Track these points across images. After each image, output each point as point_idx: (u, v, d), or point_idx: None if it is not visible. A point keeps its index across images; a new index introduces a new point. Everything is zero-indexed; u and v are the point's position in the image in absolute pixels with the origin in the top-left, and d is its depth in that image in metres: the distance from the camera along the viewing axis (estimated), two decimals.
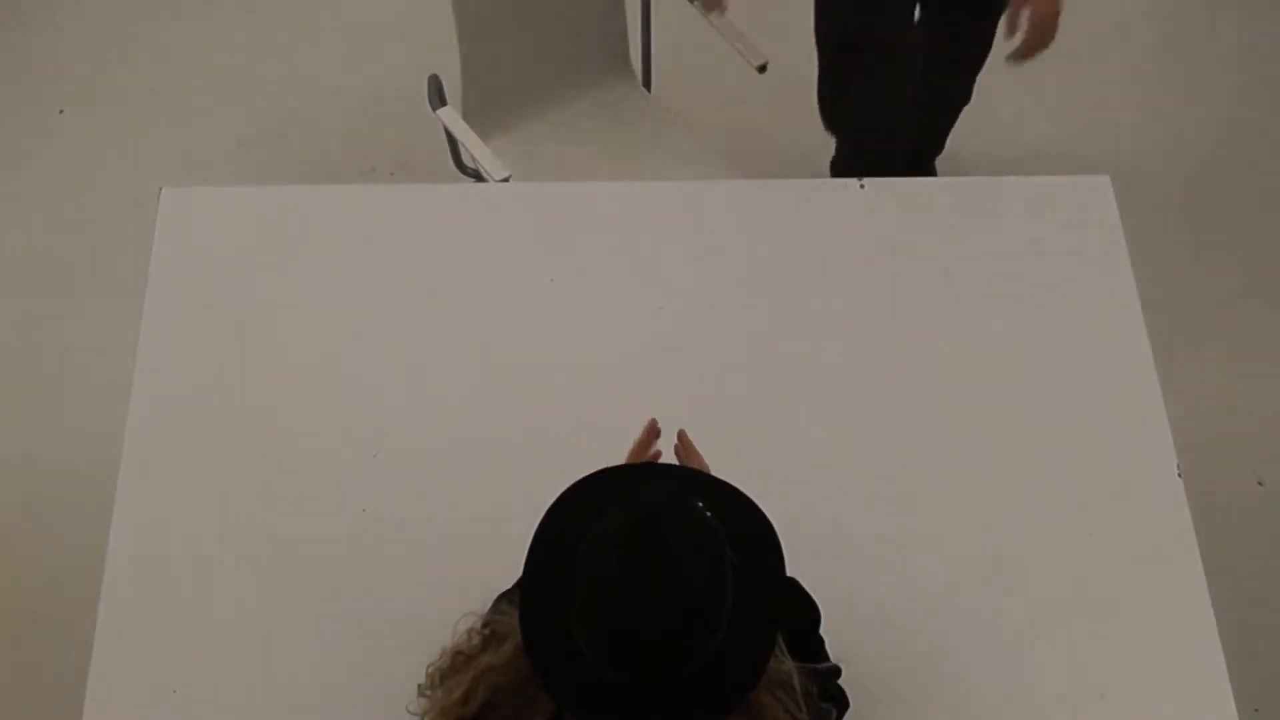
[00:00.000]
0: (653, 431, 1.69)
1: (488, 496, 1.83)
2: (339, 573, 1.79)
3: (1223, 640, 1.75)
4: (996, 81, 3.34)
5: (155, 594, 1.77)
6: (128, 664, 1.72)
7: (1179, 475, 1.88)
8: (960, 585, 1.79)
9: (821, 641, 1.57)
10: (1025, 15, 2.06)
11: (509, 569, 1.29)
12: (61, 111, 3.28)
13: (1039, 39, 2.08)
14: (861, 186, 2.14)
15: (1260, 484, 2.79)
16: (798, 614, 1.55)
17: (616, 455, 1.85)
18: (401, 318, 2.01)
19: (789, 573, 1.61)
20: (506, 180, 2.29)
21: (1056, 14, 2.08)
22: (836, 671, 1.54)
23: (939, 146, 2.87)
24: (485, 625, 1.35)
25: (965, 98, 2.74)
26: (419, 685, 1.37)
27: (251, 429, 1.90)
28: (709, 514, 1.23)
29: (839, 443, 1.90)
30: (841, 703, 1.52)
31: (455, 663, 1.33)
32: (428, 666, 1.35)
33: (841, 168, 2.57)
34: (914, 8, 2.39)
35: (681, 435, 1.71)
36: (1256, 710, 2.42)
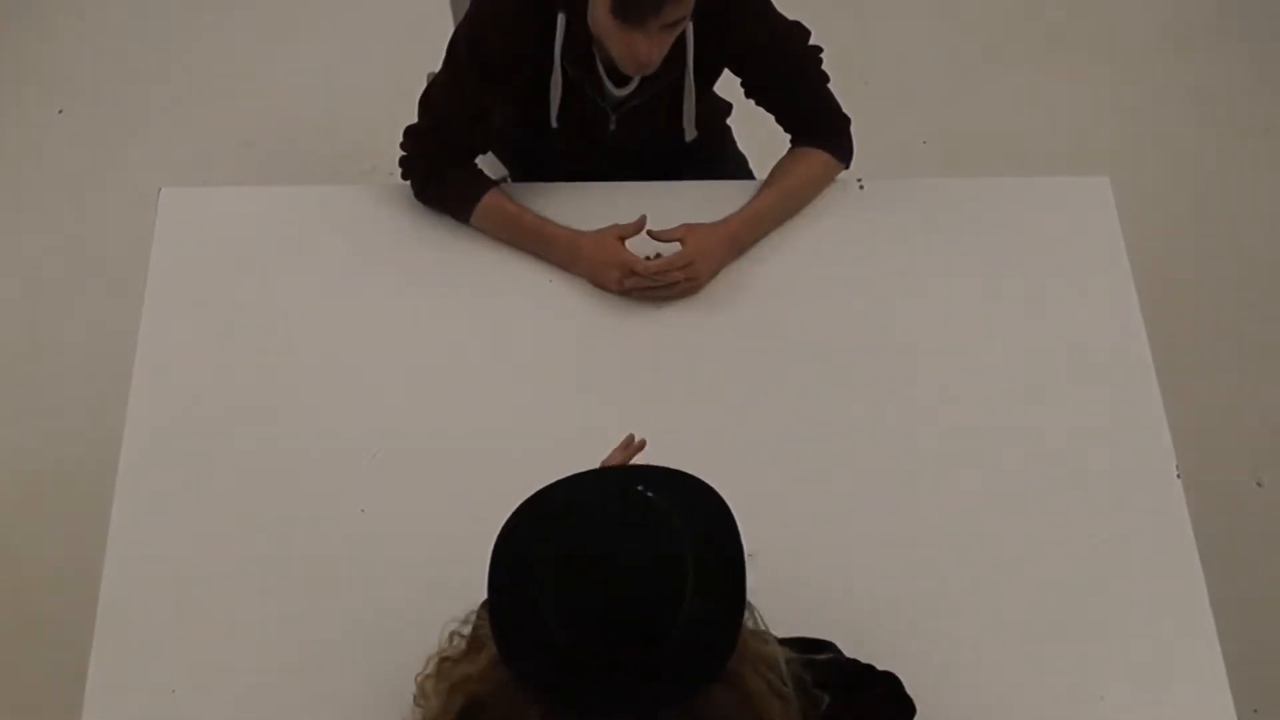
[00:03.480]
0: (626, 446, 1.72)
1: (488, 496, 1.82)
2: (338, 573, 1.79)
3: (1222, 641, 1.75)
4: (996, 81, 3.34)
5: (154, 594, 1.77)
6: (127, 664, 1.72)
7: (1178, 476, 1.88)
8: (959, 585, 1.79)
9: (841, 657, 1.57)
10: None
11: None
12: (61, 111, 3.28)
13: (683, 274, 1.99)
14: (861, 187, 2.14)
15: (1259, 485, 2.79)
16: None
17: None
18: (401, 318, 2.01)
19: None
20: (504, 180, 2.29)
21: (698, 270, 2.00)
22: (857, 670, 1.54)
23: None
24: (469, 624, 1.35)
25: None
26: (414, 695, 1.37)
27: (251, 429, 1.90)
28: (651, 495, 1.22)
29: (837, 443, 1.90)
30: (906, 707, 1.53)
31: (441, 669, 1.33)
32: (416, 677, 1.36)
33: None
34: None
35: (640, 446, 1.71)
36: (1256, 711, 2.42)
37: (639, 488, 1.23)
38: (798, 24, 2.03)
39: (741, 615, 1.23)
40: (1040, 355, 1.98)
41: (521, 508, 1.26)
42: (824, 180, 2.10)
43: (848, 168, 2.12)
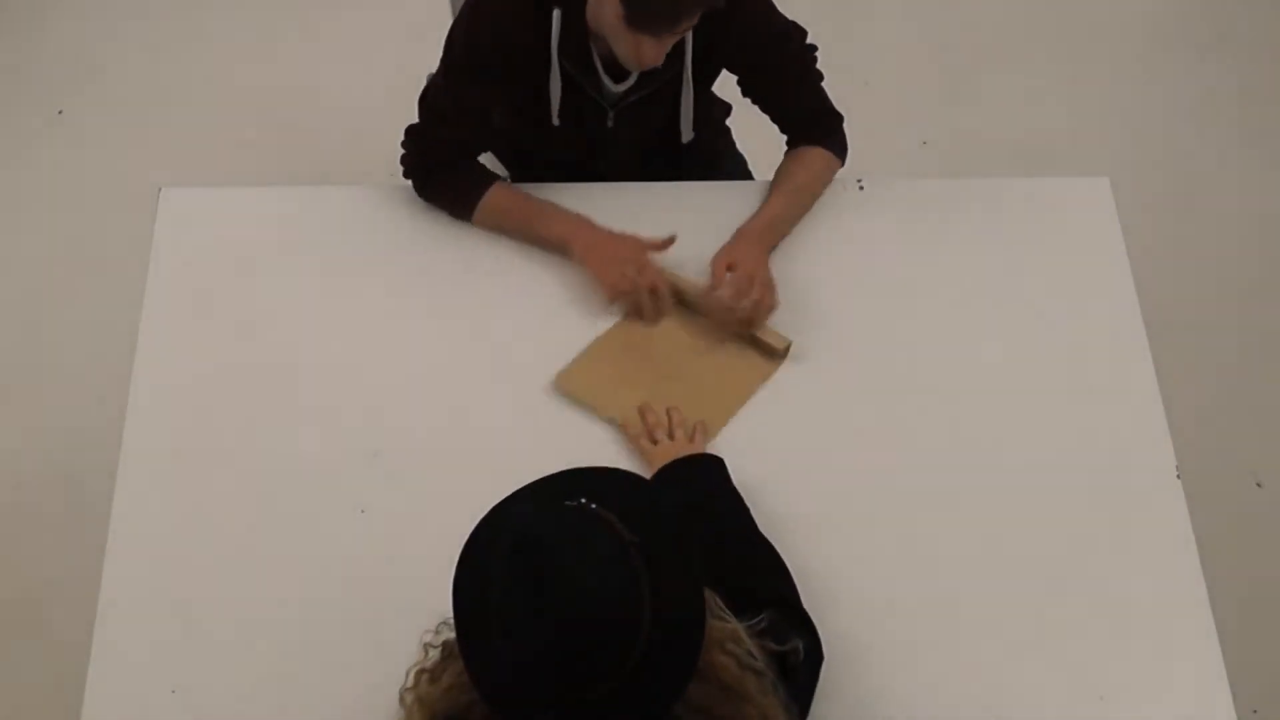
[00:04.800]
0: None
1: (488, 496, 1.82)
2: (338, 573, 1.79)
3: (1222, 641, 1.75)
4: (996, 81, 3.35)
5: (154, 594, 1.77)
6: (127, 664, 1.72)
7: (1178, 477, 1.88)
8: (959, 585, 1.79)
9: (795, 594, 1.59)
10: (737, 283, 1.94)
11: None
12: (61, 112, 3.28)
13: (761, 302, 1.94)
14: (861, 187, 2.14)
15: (1259, 485, 2.79)
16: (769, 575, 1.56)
17: (616, 455, 1.86)
18: (401, 317, 2.01)
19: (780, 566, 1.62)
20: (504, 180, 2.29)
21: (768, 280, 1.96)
22: (808, 626, 1.56)
23: None
24: (439, 636, 1.35)
25: None
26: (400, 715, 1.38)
27: (251, 429, 1.90)
28: (595, 508, 1.22)
29: (836, 443, 1.90)
30: (814, 654, 1.54)
31: (418, 681, 1.34)
32: (400, 689, 1.36)
33: None
34: None
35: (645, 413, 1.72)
36: (1255, 711, 2.42)
37: (582, 500, 1.23)
38: (795, 24, 2.03)
39: (702, 633, 1.22)
40: (1040, 355, 1.98)
41: (474, 539, 1.26)
42: (827, 178, 2.11)
43: (844, 164, 2.12)
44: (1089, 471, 1.88)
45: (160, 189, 2.13)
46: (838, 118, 2.11)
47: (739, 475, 1.78)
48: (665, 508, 1.27)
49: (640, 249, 1.98)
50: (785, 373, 1.96)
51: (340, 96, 3.28)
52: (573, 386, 1.92)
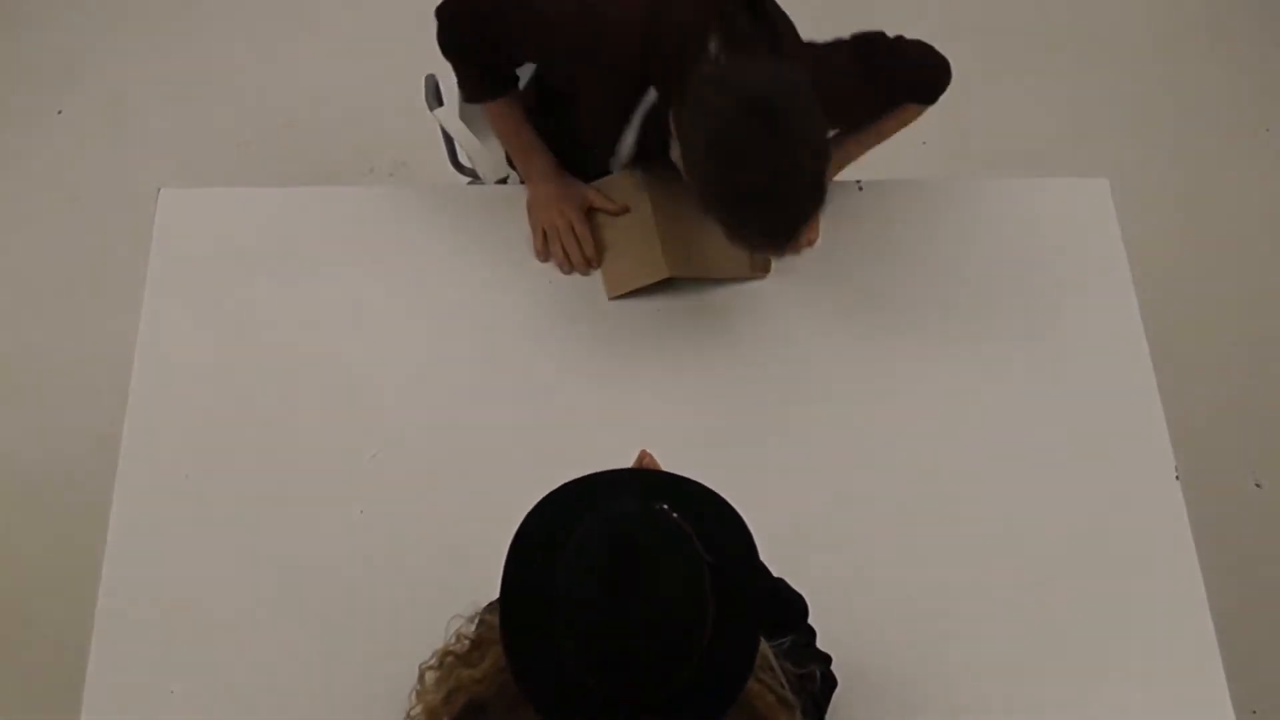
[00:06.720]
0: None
1: (487, 496, 1.83)
2: (337, 573, 1.79)
3: (1220, 642, 1.75)
4: (996, 83, 3.35)
5: (153, 594, 1.77)
6: (126, 664, 1.72)
7: (1177, 478, 1.88)
8: (958, 586, 1.79)
9: (812, 631, 1.57)
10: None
11: None
12: (60, 112, 3.28)
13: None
14: (860, 187, 2.14)
15: (1258, 486, 2.79)
16: (783, 606, 1.55)
17: (615, 455, 1.85)
18: (400, 318, 2.01)
19: (781, 572, 1.62)
20: (503, 181, 2.29)
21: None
22: (826, 659, 1.55)
23: None
24: (475, 623, 1.35)
25: None
26: (415, 689, 1.37)
27: (250, 429, 1.90)
28: (676, 516, 1.21)
29: (836, 444, 1.90)
30: (829, 681, 1.53)
31: (445, 663, 1.33)
32: (420, 665, 1.36)
33: None
34: None
35: (644, 456, 1.69)
36: (1254, 712, 2.42)
37: (663, 507, 1.22)
38: (840, 42, 1.97)
39: (755, 653, 1.22)
40: (1040, 356, 1.99)
41: (535, 525, 1.24)
42: (907, 118, 2.10)
43: (932, 103, 2.12)
44: (1089, 471, 1.88)
45: (160, 189, 2.14)
46: (930, 70, 2.07)
47: (736, 475, 1.78)
48: (742, 534, 1.25)
49: (576, 211, 2.01)
50: (784, 374, 1.96)
51: (340, 96, 3.28)
52: (621, 283, 1.99)
